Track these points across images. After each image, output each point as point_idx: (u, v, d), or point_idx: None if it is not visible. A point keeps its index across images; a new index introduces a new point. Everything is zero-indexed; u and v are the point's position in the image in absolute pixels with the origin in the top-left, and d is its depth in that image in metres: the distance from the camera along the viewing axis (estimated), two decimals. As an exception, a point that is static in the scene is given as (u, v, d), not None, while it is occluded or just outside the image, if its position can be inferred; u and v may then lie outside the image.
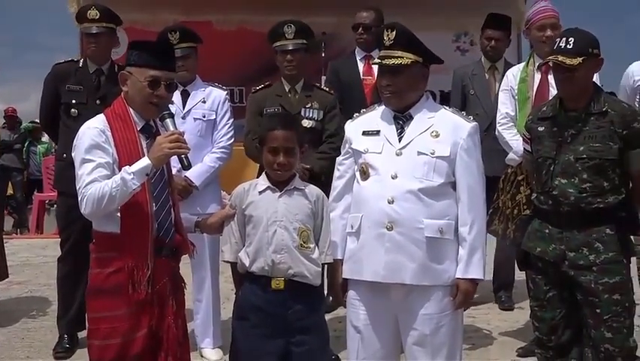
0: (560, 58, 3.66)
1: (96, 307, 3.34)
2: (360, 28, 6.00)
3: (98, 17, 5.28)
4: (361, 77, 5.97)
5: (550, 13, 5.18)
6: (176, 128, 3.36)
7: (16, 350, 5.52)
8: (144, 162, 3.21)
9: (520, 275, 4.63)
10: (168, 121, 3.36)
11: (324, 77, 6.96)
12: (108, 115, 3.35)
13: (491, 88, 6.09)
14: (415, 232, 3.39)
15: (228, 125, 5.31)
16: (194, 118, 5.19)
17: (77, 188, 3.23)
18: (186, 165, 3.37)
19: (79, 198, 3.22)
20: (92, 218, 3.31)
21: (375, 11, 6.04)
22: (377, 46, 3.83)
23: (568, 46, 3.66)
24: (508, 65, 5.99)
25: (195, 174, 5.05)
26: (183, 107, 5.17)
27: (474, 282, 3.47)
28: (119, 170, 3.22)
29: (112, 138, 3.28)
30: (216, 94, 5.32)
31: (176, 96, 5.14)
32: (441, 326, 3.45)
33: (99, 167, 3.21)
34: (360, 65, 6.03)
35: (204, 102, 5.25)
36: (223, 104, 5.31)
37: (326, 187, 3.79)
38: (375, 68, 5.52)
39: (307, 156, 4.54)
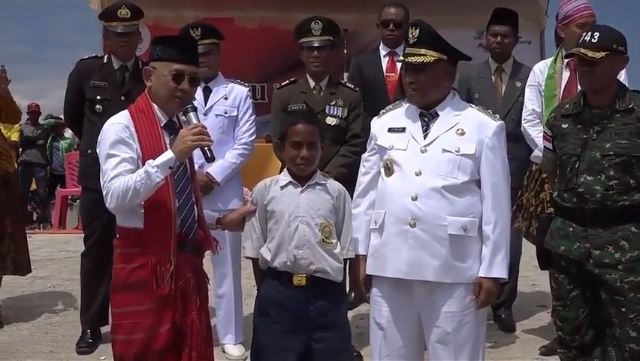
0: (582, 50, 3.65)
1: (120, 302, 3.35)
2: (392, 25, 5.81)
3: (129, 16, 5.29)
4: (385, 73, 5.82)
5: (592, 12, 5.10)
6: (199, 122, 3.37)
7: (40, 344, 5.56)
8: (168, 155, 3.21)
9: (542, 273, 4.60)
10: (191, 114, 3.36)
11: (346, 74, 6.94)
12: (132, 111, 3.36)
13: (497, 91, 5.72)
14: (438, 229, 3.38)
15: (250, 121, 5.31)
16: (216, 114, 5.20)
17: (102, 183, 3.23)
18: (209, 157, 3.35)
19: (103, 193, 3.23)
20: (117, 212, 3.32)
21: (403, 8, 5.92)
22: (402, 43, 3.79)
23: (592, 40, 3.65)
24: (517, 66, 5.76)
25: (217, 170, 5.07)
26: (205, 104, 5.18)
27: (497, 281, 3.45)
28: (143, 166, 3.23)
29: (136, 134, 3.29)
30: (238, 90, 5.33)
31: (198, 93, 5.14)
32: (464, 324, 3.43)
33: (123, 161, 3.22)
34: (384, 62, 5.88)
35: (226, 99, 5.26)
36: (245, 101, 5.32)
37: (349, 185, 3.78)
38: (399, 65, 5.52)
39: (327, 153, 4.52)
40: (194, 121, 3.34)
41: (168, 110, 3.40)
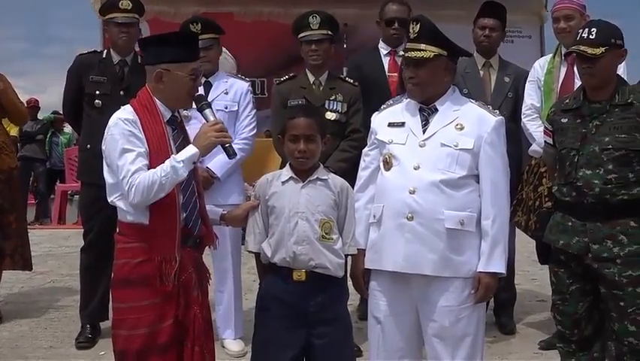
0: (582, 48, 3.65)
1: (123, 297, 3.34)
2: (396, 23, 5.61)
3: (130, 8, 5.32)
4: (387, 73, 5.65)
5: (564, 5, 5.11)
6: (216, 118, 3.40)
7: (39, 339, 5.57)
8: (192, 150, 3.24)
9: (542, 268, 4.61)
10: (207, 111, 3.38)
11: (345, 69, 6.89)
12: (135, 106, 3.33)
13: (486, 85, 5.52)
14: (436, 223, 3.38)
15: (251, 116, 5.31)
16: (217, 109, 5.14)
17: (121, 178, 3.19)
18: (231, 154, 3.39)
19: (125, 188, 3.19)
20: (138, 207, 3.26)
21: (406, 4, 5.73)
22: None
23: (590, 36, 3.66)
24: (504, 62, 5.64)
25: (217, 165, 5.06)
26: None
27: (495, 276, 3.46)
28: (148, 162, 3.22)
29: (142, 130, 3.27)
30: (239, 85, 5.32)
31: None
32: (461, 319, 3.44)
33: (139, 156, 3.21)
34: (385, 61, 5.72)
35: (227, 93, 5.25)
36: (245, 96, 5.31)
37: (349, 179, 3.77)
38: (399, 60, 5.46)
39: (327, 148, 4.51)
40: (211, 117, 3.37)
41: (177, 107, 3.41)
